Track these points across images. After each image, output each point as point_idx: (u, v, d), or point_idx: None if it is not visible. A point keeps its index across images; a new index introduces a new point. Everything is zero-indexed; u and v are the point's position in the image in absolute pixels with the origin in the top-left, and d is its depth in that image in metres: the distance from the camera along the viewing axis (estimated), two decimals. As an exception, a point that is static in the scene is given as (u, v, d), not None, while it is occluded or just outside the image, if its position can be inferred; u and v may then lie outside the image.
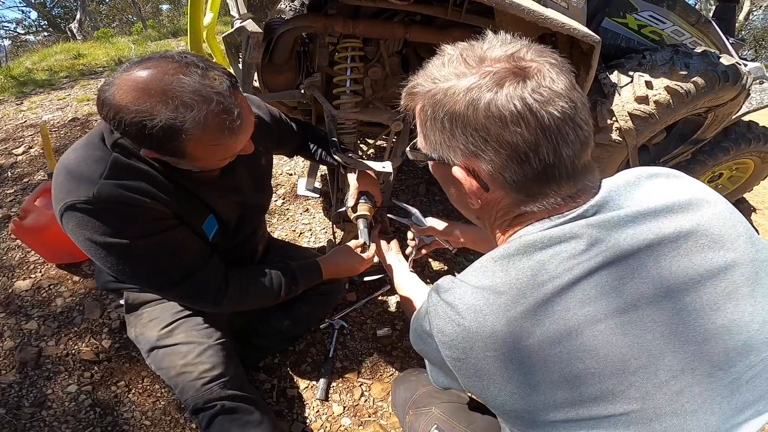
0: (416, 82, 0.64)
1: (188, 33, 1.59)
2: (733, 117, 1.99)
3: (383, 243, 1.34)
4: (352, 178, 1.39)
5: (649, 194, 0.61)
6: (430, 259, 1.90)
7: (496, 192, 0.61)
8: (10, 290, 1.78)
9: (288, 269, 1.17)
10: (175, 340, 1.08)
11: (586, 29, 1.18)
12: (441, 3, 1.39)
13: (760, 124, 2.25)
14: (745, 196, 2.76)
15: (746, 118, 2.21)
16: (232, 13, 1.60)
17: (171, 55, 0.81)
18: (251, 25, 1.27)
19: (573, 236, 0.56)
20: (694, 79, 1.54)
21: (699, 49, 1.70)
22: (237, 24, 1.37)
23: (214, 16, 1.75)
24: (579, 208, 0.58)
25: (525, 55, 0.57)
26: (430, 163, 0.69)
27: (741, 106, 1.89)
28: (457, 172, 0.61)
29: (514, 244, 0.59)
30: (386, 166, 1.40)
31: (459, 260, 1.93)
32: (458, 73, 0.58)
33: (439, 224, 1.35)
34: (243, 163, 1.05)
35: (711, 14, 2.53)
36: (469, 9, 1.38)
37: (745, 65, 2.00)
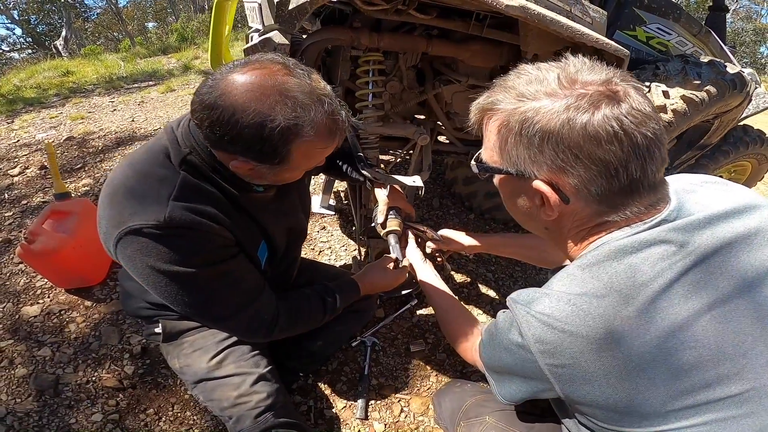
0: (495, 98, 0.66)
1: (210, 47, 1.57)
2: (735, 122, 2.06)
3: (415, 256, 1.33)
4: (380, 193, 1.38)
5: (708, 199, 0.67)
6: (452, 273, 1.90)
7: (575, 204, 0.64)
8: (17, 316, 1.71)
9: (329, 290, 1.15)
10: (226, 372, 1.04)
11: (615, 44, 1.21)
12: (462, 18, 1.41)
13: (755, 128, 2.34)
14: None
15: (741, 123, 2.29)
16: (251, 24, 1.59)
17: (272, 57, 0.79)
18: (278, 37, 1.24)
19: (662, 240, 0.61)
20: (707, 87, 1.59)
21: (705, 59, 1.76)
22: (255, 37, 1.36)
23: (229, 29, 1.74)
24: (660, 214, 0.63)
25: (615, 79, 0.60)
26: (498, 176, 0.72)
27: (744, 112, 1.96)
28: (541, 185, 0.64)
29: (602, 251, 0.63)
30: (416, 180, 1.39)
31: (480, 272, 1.94)
32: (549, 92, 0.60)
33: (455, 234, 1.42)
34: (294, 183, 1.04)
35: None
36: (490, 24, 1.40)
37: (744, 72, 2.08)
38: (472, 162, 0.74)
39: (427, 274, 1.25)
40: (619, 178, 0.59)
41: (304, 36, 1.52)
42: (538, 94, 0.61)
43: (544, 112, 0.59)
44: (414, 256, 1.31)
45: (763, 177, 2.63)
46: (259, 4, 1.40)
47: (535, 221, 0.73)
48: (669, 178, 0.72)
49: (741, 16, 18.01)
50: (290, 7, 1.19)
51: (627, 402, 0.59)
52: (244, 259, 0.98)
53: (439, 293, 1.19)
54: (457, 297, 1.47)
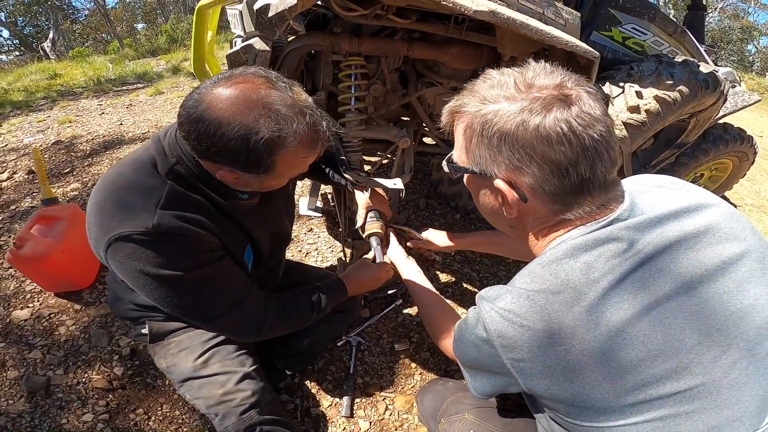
0: (462, 101, 0.69)
1: (192, 53, 1.59)
2: (712, 121, 2.11)
3: (398, 254, 1.36)
4: (360, 196, 1.41)
5: (660, 200, 0.70)
6: (437, 272, 1.94)
7: (533, 202, 0.67)
8: (8, 320, 1.73)
9: (316, 290, 1.18)
10: (212, 371, 1.07)
11: (586, 45, 1.25)
12: (441, 21, 1.44)
13: (735, 126, 2.39)
14: (725, 194, 2.90)
15: (721, 121, 2.34)
16: (233, 30, 1.61)
17: (254, 71, 0.82)
18: (259, 44, 1.27)
19: (615, 238, 0.64)
20: (680, 87, 1.64)
21: (680, 59, 1.80)
22: (239, 42, 1.38)
23: (213, 35, 1.75)
24: (613, 213, 0.66)
25: (567, 83, 0.63)
26: (466, 175, 0.75)
27: (719, 111, 2.01)
28: (500, 183, 0.67)
29: (561, 249, 0.66)
30: (397, 183, 1.43)
31: (465, 271, 1.98)
32: (508, 96, 0.64)
33: (436, 235, 1.46)
34: (278, 190, 1.06)
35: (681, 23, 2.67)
36: (469, 26, 1.44)
37: (718, 71, 2.12)
38: (444, 162, 0.77)
39: (410, 271, 1.28)
40: (570, 177, 0.62)
41: (291, 38, 1.55)
42: (498, 98, 0.64)
43: (502, 114, 0.62)
44: (397, 254, 1.35)
45: (745, 174, 2.68)
46: (240, 11, 1.42)
47: (501, 219, 0.76)
48: (625, 180, 0.75)
49: (728, 14, 18.14)
50: (270, 15, 1.22)
51: (584, 396, 0.61)
52: (231, 261, 1.01)
53: (422, 289, 1.22)
54: (440, 294, 1.51)
